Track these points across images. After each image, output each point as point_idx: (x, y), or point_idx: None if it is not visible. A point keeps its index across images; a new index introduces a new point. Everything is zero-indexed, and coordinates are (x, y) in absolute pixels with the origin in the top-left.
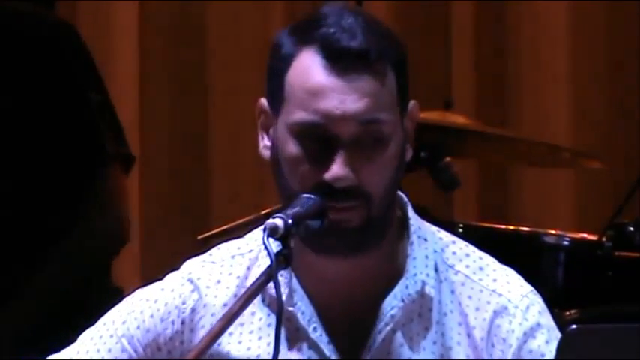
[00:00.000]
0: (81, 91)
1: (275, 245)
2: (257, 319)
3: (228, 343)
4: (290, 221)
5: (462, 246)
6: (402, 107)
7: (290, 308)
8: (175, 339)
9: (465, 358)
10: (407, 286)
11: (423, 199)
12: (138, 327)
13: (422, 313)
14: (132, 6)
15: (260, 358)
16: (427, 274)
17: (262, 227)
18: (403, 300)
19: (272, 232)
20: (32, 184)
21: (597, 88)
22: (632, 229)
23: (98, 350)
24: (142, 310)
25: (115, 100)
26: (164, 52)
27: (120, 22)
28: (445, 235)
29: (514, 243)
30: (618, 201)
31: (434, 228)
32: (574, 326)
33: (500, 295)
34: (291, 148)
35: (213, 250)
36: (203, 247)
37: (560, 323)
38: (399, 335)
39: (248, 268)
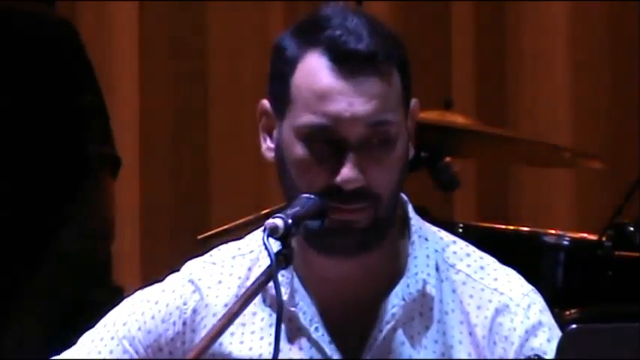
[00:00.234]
0: (76, 92)
1: (275, 245)
2: (258, 319)
3: (229, 343)
4: (290, 221)
5: (462, 246)
6: (406, 108)
7: (292, 308)
8: (177, 340)
9: (466, 356)
10: (408, 285)
11: (423, 199)
12: (139, 328)
13: (423, 312)
14: (132, 6)
15: (261, 358)
16: (428, 274)
17: (262, 227)
18: (404, 299)
19: (272, 232)
20: (26, 184)
21: (597, 88)
22: (632, 229)
23: (99, 352)
24: (142, 311)
25: (115, 101)
26: (164, 53)
27: (120, 22)
28: (445, 235)
29: (514, 243)
30: (618, 201)
31: (434, 228)
32: (574, 326)
33: (501, 293)
34: (299, 150)
35: (214, 252)
36: (203, 247)
37: (561, 323)
38: (400, 334)
39: (249, 269)
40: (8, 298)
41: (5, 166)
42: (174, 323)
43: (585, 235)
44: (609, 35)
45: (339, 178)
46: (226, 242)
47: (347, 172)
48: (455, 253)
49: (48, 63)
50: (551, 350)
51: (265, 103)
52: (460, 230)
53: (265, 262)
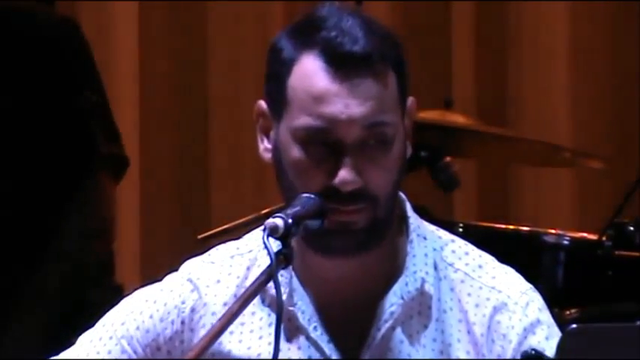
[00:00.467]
0: (77, 91)
1: (275, 245)
2: (257, 318)
3: (228, 342)
4: (290, 221)
5: (460, 244)
6: (402, 107)
7: (290, 308)
8: (175, 339)
9: (464, 354)
10: (406, 284)
11: (423, 199)
12: (137, 328)
13: (421, 310)
14: (132, 6)
15: (260, 357)
16: (426, 272)
17: (262, 227)
18: (403, 298)
19: (272, 231)
20: (26, 183)
21: (597, 88)
22: (632, 228)
23: (98, 352)
24: (141, 310)
25: (115, 100)
26: (164, 53)
27: (120, 22)
28: (444, 234)
29: (514, 242)
30: (618, 201)
31: (432, 227)
32: (574, 326)
33: (499, 291)
34: (296, 152)
35: (212, 251)
36: (203, 247)
37: (560, 323)
38: (398, 332)
39: (248, 269)
40: (8, 298)
41: (5, 166)
42: (172, 322)
43: (585, 234)
44: (609, 35)
45: (336, 180)
46: (225, 242)
47: (344, 174)
48: (453, 251)
49: (47, 62)
50: (549, 348)
51: (262, 104)
52: (460, 230)
53: (264, 261)
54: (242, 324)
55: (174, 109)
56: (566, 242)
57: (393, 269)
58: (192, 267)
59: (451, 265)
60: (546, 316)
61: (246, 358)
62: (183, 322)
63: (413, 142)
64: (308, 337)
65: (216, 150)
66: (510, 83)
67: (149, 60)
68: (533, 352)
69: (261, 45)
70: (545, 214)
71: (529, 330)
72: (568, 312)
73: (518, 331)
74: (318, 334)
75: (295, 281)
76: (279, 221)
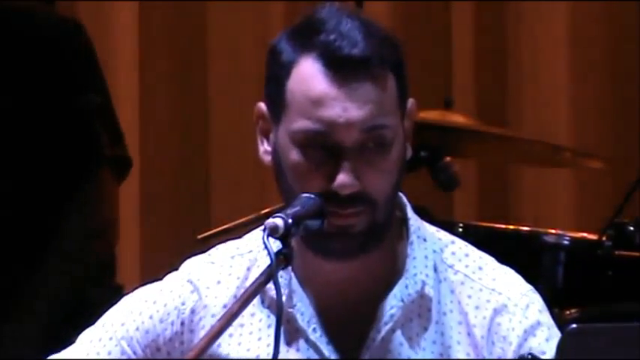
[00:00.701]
0: (80, 92)
1: (275, 245)
2: (257, 320)
3: (228, 344)
4: (290, 221)
5: (461, 246)
6: (402, 109)
7: (290, 309)
8: (175, 340)
9: (464, 356)
10: (407, 287)
11: (423, 199)
12: (137, 328)
13: (421, 313)
14: (132, 6)
15: (260, 359)
16: (427, 275)
17: (262, 227)
18: (403, 300)
19: (272, 231)
20: (27, 184)
21: (597, 87)
22: (632, 228)
23: (98, 353)
24: (140, 311)
25: (115, 100)
26: (164, 52)
27: (120, 22)
28: (444, 235)
29: (514, 242)
30: (618, 201)
31: (433, 228)
32: (574, 326)
33: (500, 293)
34: (295, 155)
35: (212, 251)
36: (203, 247)
37: (560, 323)
38: (398, 335)
39: (248, 269)
40: (8, 298)
41: (6, 166)
42: (172, 323)
43: (585, 234)
44: (609, 35)
45: (335, 184)
46: (225, 241)
47: (343, 177)
48: (453, 253)
49: (48, 63)
50: (549, 350)
51: (262, 106)
52: (460, 230)
53: (264, 262)
54: (241, 325)
55: (174, 109)
56: (566, 242)
57: (393, 271)
58: (192, 267)
59: (451, 266)
60: (547, 318)
61: (246, 359)
62: (183, 323)
63: (413, 142)
64: (307, 339)
65: (216, 150)
66: (510, 83)
67: (149, 60)
68: (529, 356)
69: (261, 45)
70: (545, 214)
71: (529, 332)
72: (568, 312)
73: (519, 333)
74: (318, 335)
75: (295, 282)
76: (279, 221)
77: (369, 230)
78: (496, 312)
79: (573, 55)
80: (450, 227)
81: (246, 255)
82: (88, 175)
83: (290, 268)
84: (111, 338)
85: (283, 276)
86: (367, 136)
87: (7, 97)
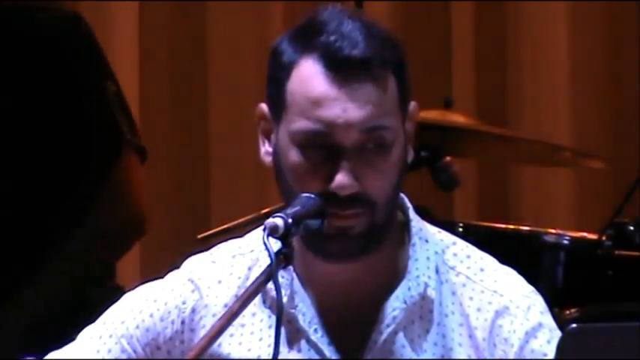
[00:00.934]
0: (95, 83)
1: (276, 245)
2: (258, 320)
3: (228, 344)
4: (290, 220)
5: (462, 247)
6: (403, 111)
7: (291, 310)
8: (175, 339)
9: (466, 358)
10: (409, 288)
11: (423, 199)
12: (137, 326)
13: (423, 315)
14: (132, 6)
15: (260, 359)
16: (429, 277)
17: (262, 226)
18: (405, 302)
19: (272, 231)
20: (33, 183)
21: (597, 87)
22: (632, 228)
23: (98, 351)
24: (141, 309)
25: None
26: (164, 52)
27: (120, 22)
28: (446, 237)
29: (514, 242)
30: (618, 201)
31: (435, 229)
32: (574, 325)
33: (501, 295)
34: (294, 156)
35: (214, 250)
36: (203, 247)
37: (560, 322)
38: (400, 337)
39: (249, 269)
40: (8, 298)
41: (6, 166)
42: (172, 322)
43: (585, 234)
44: (609, 35)
45: (333, 184)
46: (227, 240)
47: (341, 178)
48: (455, 254)
49: (58, 58)
50: (551, 351)
51: (263, 106)
52: (460, 230)
53: (265, 261)
54: (242, 325)
55: (174, 108)
56: (566, 242)
57: (395, 273)
58: (193, 266)
59: (453, 268)
60: (548, 320)
61: (246, 359)
62: (183, 322)
63: (413, 143)
64: (308, 340)
65: (216, 150)
66: (510, 83)
67: (149, 59)
68: None
69: (261, 45)
70: (545, 214)
71: (531, 334)
72: (568, 312)
73: (520, 335)
74: (319, 336)
75: (296, 283)
76: (279, 221)
77: (369, 232)
78: (498, 314)
79: (573, 55)
80: (450, 227)
81: (247, 254)
82: (112, 164)
83: (292, 268)
84: (111, 336)
85: (285, 276)
86: (367, 136)
87: (8, 96)
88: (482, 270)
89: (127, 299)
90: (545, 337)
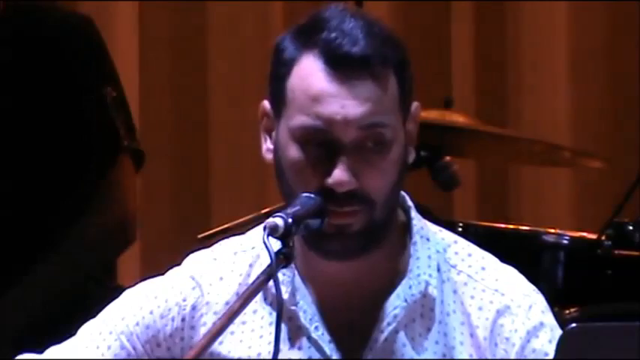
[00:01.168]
0: (94, 87)
1: (276, 244)
2: (259, 317)
3: (229, 341)
4: (290, 220)
5: (464, 246)
6: (404, 110)
7: (292, 307)
8: (175, 336)
9: (467, 357)
10: (410, 287)
11: (423, 199)
12: (137, 323)
13: (424, 313)
14: (132, 6)
15: (260, 357)
16: (430, 275)
17: (263, 226)
18: (406, 300)
19: (272, 231)
20: (33, 184)
21: (597, 87)
22: (631, 228)
23: (97, 347)
24: (141, 306)
25: None
26: (164, 53)
27: (120, 22)
28: (447, 235)
29: (514, 242)
30: (618, 201)
31: (436, 228)
32: (574, 325)
33: (503, 294)
34: (293, 152)
35: (215, 247)
36: (203, 246)
37: (560, 322)
38: (401, 335)
39: (250, 266)
40: (7, 298)
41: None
42: (172, 319)
43: (585, 234)
44: (609, 35)
45: (330, 180)
46: (229, 237)
47: (338, 174)
48: (456, 253)
49: (59, 60)
50: (552, 351)
51: (266, 103)
52: (460, 229)
53: (266, 258)
54: (243, 323)
55: (174, 108)
56: (566, 242)
57: (396, 271)
58: (195, 263)
59: (454, 267)
60: (550, 319)
61: (246, 358)
62: (183, 319)
63: (416, 146)
64: (309, 337)
65: (216, 150)
66: (510, 83)
67: (149, 60)
68: None
69: (261, 45)
70: (545, 214)
71: (532, 333)
72: (568, 311)
73: (521, 334)
74: (320, 334)
75: (298, 280)
76: (279, 221)
77: (367, 230)
78: (499, 313)
79: (573, 55)
80: (449, 227)
81: (249, 251)
82: (106, 168)
83: (294, 265)
84: (111, 332)
85: (286, 273)
86: (365, 133)
87: (7, 96)
88: (483, 269)
89: (128, 296)
90: (546, 336)
